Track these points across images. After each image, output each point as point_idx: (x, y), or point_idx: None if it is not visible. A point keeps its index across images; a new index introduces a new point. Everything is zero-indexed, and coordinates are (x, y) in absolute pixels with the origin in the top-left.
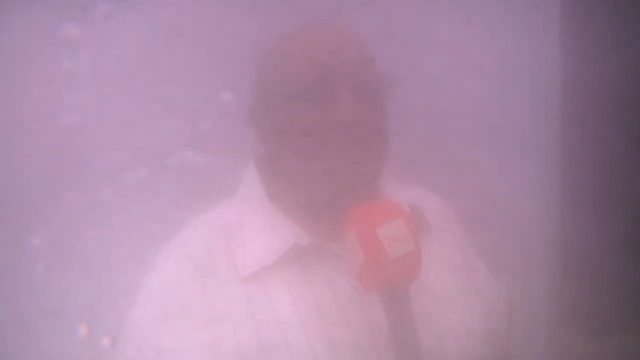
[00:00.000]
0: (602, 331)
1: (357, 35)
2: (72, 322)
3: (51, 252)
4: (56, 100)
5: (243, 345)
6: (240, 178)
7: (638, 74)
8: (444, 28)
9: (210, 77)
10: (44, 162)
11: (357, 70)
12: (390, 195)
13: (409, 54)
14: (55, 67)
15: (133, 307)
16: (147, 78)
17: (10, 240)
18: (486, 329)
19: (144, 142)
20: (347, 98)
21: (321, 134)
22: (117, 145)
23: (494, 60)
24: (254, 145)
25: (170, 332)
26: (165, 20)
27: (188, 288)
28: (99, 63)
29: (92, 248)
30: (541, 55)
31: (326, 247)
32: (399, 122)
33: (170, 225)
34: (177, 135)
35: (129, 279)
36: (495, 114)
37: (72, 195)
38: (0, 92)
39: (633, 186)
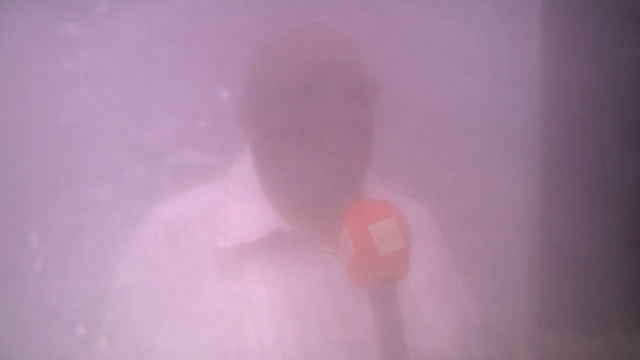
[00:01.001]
0: (599, 331)
1: (350, 37)
2: (69, 321)
3: (49, 251)
4: (56, 99)
5: (213, 320)
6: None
7: (632, 73)
8: (439, 28)
9: (208, 76)
10: (43, 161)
11: (349, 72)
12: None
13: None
14: (55, 67)
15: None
16: (145, 77)
17: (9, 239)
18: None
19: (143, 141)
20: (339, 99)
21: (311, 134)
22: (115, 144)
23: (486, 60)
24: (246, 141)
25: (144, 310)
26: (165, 19)
27: (162, 263)
28: (98, 63)
29: (90, 247)
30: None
31: (306, 240)
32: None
33: None
34: (175, 134)
35: (127, 279)
36: (488, 114)
37: (71, 194)
38: (0, 92)
39: (628, 185)
